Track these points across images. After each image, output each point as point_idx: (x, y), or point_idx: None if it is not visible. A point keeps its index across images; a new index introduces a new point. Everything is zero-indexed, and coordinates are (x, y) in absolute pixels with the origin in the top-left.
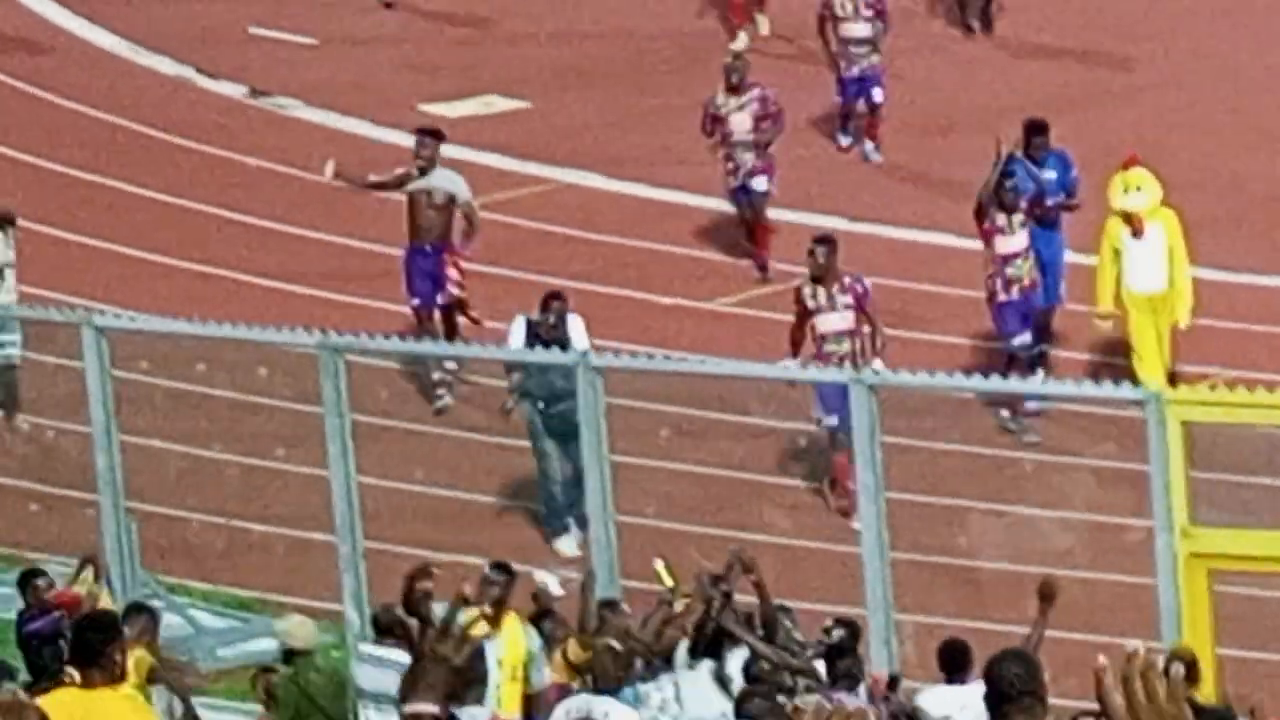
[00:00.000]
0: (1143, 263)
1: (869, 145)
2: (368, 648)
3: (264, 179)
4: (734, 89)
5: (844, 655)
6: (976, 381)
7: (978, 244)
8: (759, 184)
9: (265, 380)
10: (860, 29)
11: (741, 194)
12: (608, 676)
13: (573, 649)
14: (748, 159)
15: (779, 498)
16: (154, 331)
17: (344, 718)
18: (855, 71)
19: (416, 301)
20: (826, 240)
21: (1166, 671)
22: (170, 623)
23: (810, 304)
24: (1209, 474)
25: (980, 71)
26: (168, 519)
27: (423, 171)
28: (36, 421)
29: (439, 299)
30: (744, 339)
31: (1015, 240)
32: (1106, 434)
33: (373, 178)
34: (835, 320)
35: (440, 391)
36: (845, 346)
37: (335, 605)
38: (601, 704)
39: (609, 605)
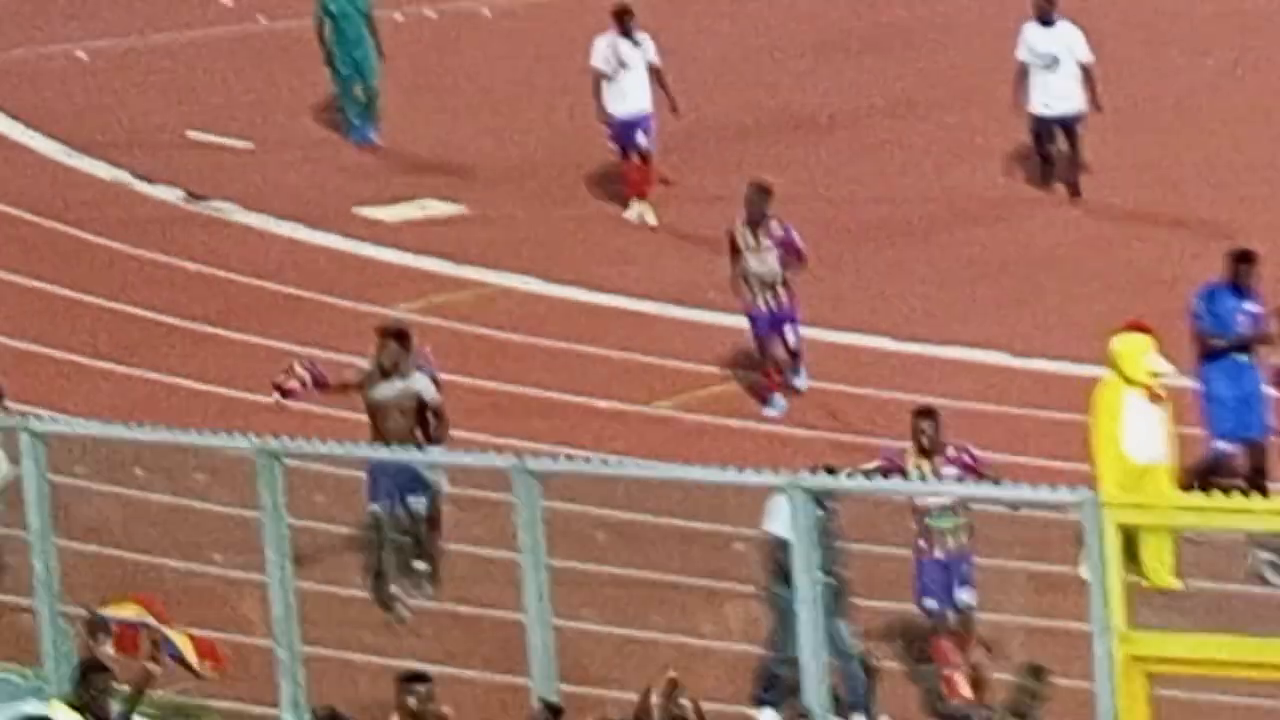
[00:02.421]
0: (1151, 431)
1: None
2: None
3: (201, 283)
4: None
5: None
6: (912, 485)
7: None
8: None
9: (204, 485)
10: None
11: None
12: None
13: None
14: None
15: (718, 602)
16: (91, 436)
17: None
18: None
19: (376, 507)
20: (930, 414)
21: None
22: None
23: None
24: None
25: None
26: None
27: (386, 375)
28: None
29: (410, 505)
30: (682, 443)
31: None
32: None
33: (336, 382)
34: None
35: (398, 605)
36: (950, 522)
37: (274, 710)
38: None
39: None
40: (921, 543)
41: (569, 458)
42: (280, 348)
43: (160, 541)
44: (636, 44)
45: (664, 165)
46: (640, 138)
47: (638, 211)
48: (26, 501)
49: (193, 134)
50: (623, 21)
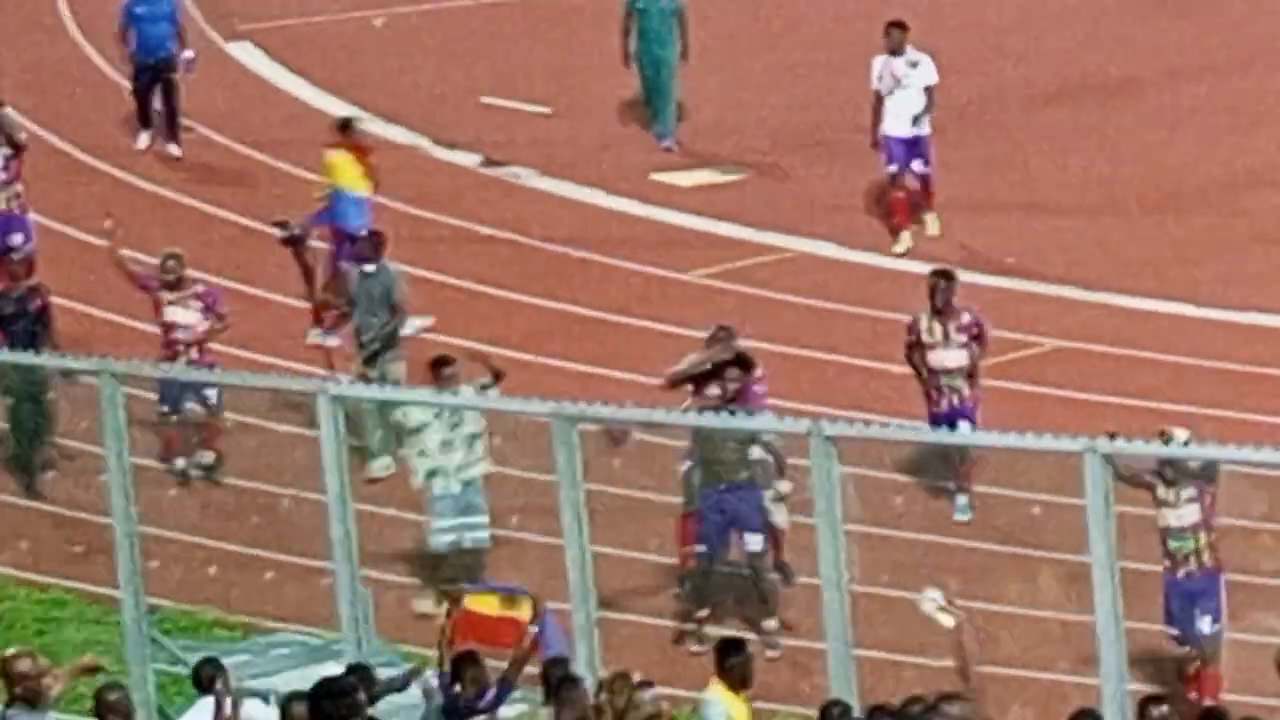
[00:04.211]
0: None
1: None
2: None
3: (497, 248)
4: None
5: None
6: (1199, 450)
7: None
8: None
9: (499, 449)
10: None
11: None
12: None
13: None
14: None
15: (1018, 568)
16: (385, 400)
17: None
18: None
19: (703, 549)
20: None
21: None
22: (414, 694)
23: None
24: None
25: None
26: (401, 587)
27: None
28: (272, 490)
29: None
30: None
31: None
32: None
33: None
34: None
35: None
36: (1189, 544)
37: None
38: None
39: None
40: (1167, 562)
41: (866, 422)
42: (576, 312)
43: None
44: (914, 65)
45: (955, 131)
46: (917, 162)
47: (905, 245)
48: (324, 465)
49: (487, 99)
50: (892, 38)
